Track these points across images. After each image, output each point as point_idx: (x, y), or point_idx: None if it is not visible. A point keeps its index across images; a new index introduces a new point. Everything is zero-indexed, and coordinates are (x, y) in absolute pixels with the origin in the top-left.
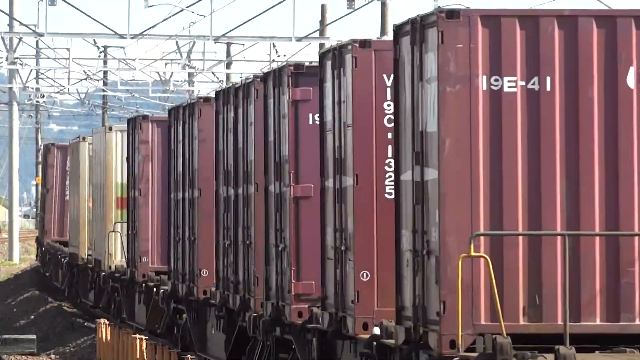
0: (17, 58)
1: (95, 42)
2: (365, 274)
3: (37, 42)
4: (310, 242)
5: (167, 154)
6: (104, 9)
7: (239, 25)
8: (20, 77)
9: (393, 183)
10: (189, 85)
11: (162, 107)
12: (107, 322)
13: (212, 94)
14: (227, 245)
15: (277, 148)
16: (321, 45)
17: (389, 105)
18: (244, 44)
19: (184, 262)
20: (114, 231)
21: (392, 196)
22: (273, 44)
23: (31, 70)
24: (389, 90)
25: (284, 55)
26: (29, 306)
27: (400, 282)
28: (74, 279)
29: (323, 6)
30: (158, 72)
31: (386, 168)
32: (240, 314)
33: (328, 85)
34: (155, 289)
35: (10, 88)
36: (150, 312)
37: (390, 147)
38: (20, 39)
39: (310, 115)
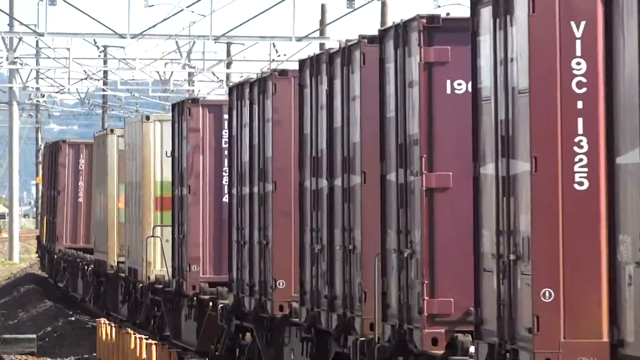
0: (17, 58)
1: (95, 42)
2: (547, 293)
3: (37, 41)
4: (447, 247)
5: (220, 144)
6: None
7: (239, 25)
8: (20, 76)
9: (585, 169)
10: (188, 85)
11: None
12: (107, 322)
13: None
14: (317, 251)
15: (400, 126)
16: (321, 45)
17: (578, 63)
18: (244, 44)
19: (251, 270)
20: (153, 236)
21: (585, 187)
22: (273, 43)
23: (31, 70)
24: (578, 43)
25: (284, 55)
26: (29, 306)
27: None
28: (101, 290)
29: (323, 6)
30: (158, 72)
31: (576, 149)
32: (339, 338)
33: (485, 39)
34: (211, 304)
35: (11, 88)
36: (203, 331)
37: (581, 121)
38: (20, 39)
39: (448, 82)
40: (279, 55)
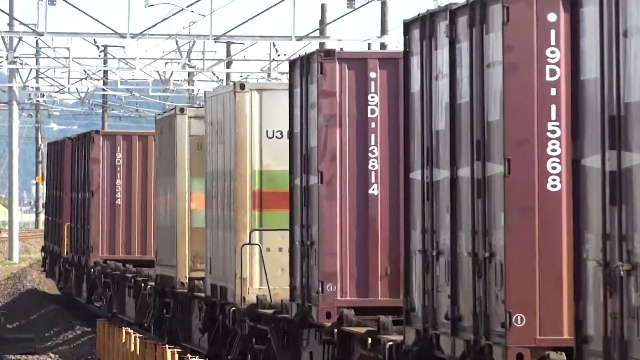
0: (17, 57)
1: (95, 42)
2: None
3: (37, 41)
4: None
5: (365, 112)
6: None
7: (239, 25)
8: (20, 76)
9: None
10: (188, 85)
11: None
12: (107, 322)
13: None
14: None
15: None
16: (321, 45)
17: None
18: (244, 44)
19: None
20: (250, 243)
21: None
22: (273, 43)
23: (31, 69)
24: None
25: (284, 55)
26: (29, 305)
27: None
28: (166, 314)
29: (323, 5)
30: (158, 72)
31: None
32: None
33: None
34: (370, 340)
35: (10, 87)
36: None
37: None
38: (20, 39)
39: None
40: (279, 55)
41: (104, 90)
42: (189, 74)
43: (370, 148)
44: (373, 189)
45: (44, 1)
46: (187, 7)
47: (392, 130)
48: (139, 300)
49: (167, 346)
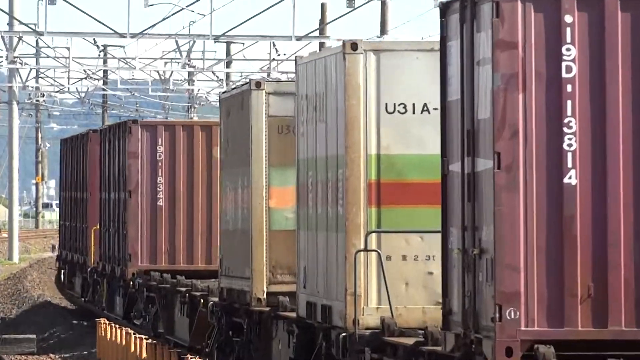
0: (17, 57)
1: (95, 42)
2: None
3: (37, 41)
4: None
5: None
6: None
7: (239, 25)
8: (20, 76)
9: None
10: (188, 85)
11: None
12: (107, 322)
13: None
14: None
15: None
16: (321, 45)
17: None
18: (243, 43)
19: None
20: (365, 250)
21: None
22: (273, 43)
23: (31, 69)
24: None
25: (284, 55)
26: (29, 305)
27: None
28: (238, 339)
29: (323, 5)
30: (158, 71)
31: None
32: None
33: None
34: None
35: (10, 87)
36: None
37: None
38: (20, 38)
39: None
40: (279, 55)
41: (103, 90)
42: (189, 73)
43: (566, 120)
44: (569, 177)
45: (44, 1)
46: (187, 7)
47: (595, 95)
48: (195, 319)
49: (167, 346)
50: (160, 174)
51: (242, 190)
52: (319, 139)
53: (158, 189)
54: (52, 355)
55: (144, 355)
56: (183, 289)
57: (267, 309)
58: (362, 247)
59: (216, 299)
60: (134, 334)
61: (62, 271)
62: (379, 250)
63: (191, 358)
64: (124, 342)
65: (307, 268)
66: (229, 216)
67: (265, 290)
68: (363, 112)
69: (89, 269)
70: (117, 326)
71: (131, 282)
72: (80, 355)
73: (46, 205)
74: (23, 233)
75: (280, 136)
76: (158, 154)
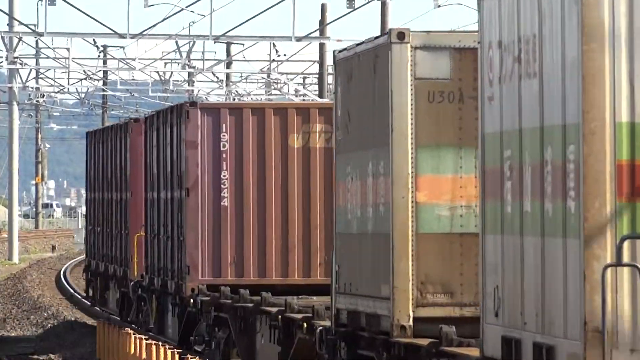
0: (17, 57)
1: (95, 42)
2: None
3: (36, 41)
4: None
5: None
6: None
7: (239, 25)
8: (20, 76)
9: None
10: (188, 85)
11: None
12: (107, 322)
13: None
14: None
15: None
16: (321, 45)
17: None
18: (243, 44)
19: None
20: (617, 264)
21: None
22: (273, 43)
23: (31, 69)
24: None
25: (284, 55)
26: (29, 306)
27: None
28: None
29: (323, 6)
30: (158, 72)
31: None
32: None
33: None
34: None
35: (10, 88)
36: None
37: None
38: (20, 39)
39: None
40: (278, 55)
41: (103, 90)
42: (189, 74)
43: None
44: None
45: (43, 1)
46: (187, 7)
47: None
48: (290, 348)
49: (167, 346)
50: (224, 168)
51: (375, 179)
52: (525, 102)
53: (222, 185)
54: (52, 355)
55: (144, 355)
56: (273, 310)
57: (421, 341)
58: (612, 259)
59: (327, 324)
60: (133, 334)
61: (92, 285)
62: (637, 265)
63: (191, 358)
64: (123, 342)
65: (502, 289)
66: (350, 215)
67: (411, 314)
68: (609, 61)
69: (131, 283)
70: (117, 326)
71: (191, 300)
72: (80, 355)
73: (46, 206)
74: (23, 233)
75: (431, 105)
76: (222, 143)
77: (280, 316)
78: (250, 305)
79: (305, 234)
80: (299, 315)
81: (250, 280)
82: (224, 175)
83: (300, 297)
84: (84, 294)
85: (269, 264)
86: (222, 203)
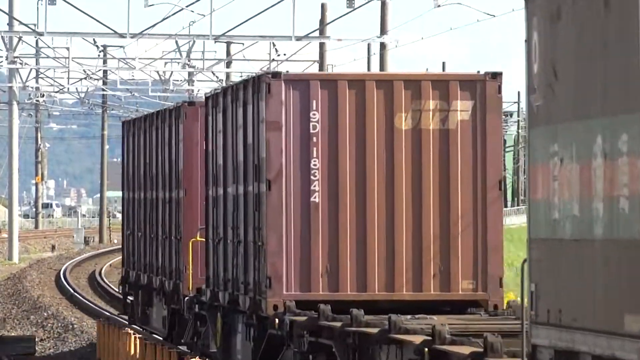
0: (17, 57)
1: (95, 42)
2: None
3: (36, 41)
4: None
5: None
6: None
7: (239, 25)
8: (20, 76)
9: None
10: (188, 85)
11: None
12: (107, 323)
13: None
14: None
15: None
16: (321, 45)
17: None
18: (243, 43)
19: None
20: None
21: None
22: (273, 43)
23: (31, 69)
24: None
25: (284, 55)
26: (29, 306)
27: None
28: None
29: (323, 5)
30: (158, 72)
31: None
32: None
33: None
34: None
35: (10, 87)
36: None
37: None
38: (20, 38)
39: None
40: (278, 55)
41: (103, 90)
42: (189, 73)
43: None
44: None
45: (43, 1)
46: (187, 7)
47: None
48: None
49: (166, 346)
50: (314, 155)
51: (609, 161)
52: None
53: (312, 176)
54: (51, 355)
55: (144, 355)
56: (414, 340)
57: None
58: None
59: None
60: (133, 334)
61: (130, 299)
62: None
63: (191, 358)
64: (123, 342)
65: None
66: (559, 213)
67: None
68: None
69: (186, 298)
70: (117, 326)
71: (276, 320)
72: (80, 355)
73: (46, 206)
74: (23, 233)
75: None
76: (311, 124)
77: (426, 349)
78: (374, 331)
79: (416, 237)
80: (462, 350)
81: (347, 295)
82: (314, 164)
83: (416, 316)
84: (120, 311)
85: (370, 274)
86: (311, 198)
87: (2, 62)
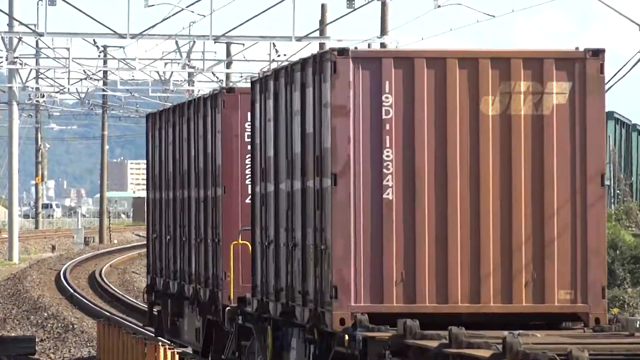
0: (17, 58)
1: (95, 42)
2: None
3: (37, 41)
4: None
5: None
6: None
7: (239, 25)
8: (20, 76)
9: None
10: (188, 85)
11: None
12: (107, 323)
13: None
14: None
15: None
16: (321, 45)
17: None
18: (243, 44)
19: None
20: None
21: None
22: (273, 43)
23: (31, 69)
24: None
25: (284, 55)
26: (29, 306)
27: None
28: None
29: (323, 6)
30: (158, 72)
31: None
32: None
33: None
34: None
35: (10, 88)
36: None
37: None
38: (20, 39)
39: None
40: (278, 55)
41: (103, 90)
42: (189, 74)
43: None
44: None
45: (43, 1)
46: (187, 7)
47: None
48: None
49: (166, 346)
50: (387, 144)
51: None
52: None
53: (384, 169)
54: (51, 355)
55: (144, 355)
56: None
57: None
58: None
59: None
60: (133, 334)
61: (157, 309)
62: None
63: (191, 358)
64: (123, 343)
65: None
66: None
67: None
68: None
69: (226, 308)
70: (117, 326)
71: (346, 337)
72: (81, 355)
73: (46, 206)
74: (23, 233)
75: None
76: (384, 109)
77: None
78: (486, 354)
79: (505, 239)
80: None
81: (425, 307)
82: (387, 155)
83: (516, 333)
84: (146, 324)
85: (452, 283)
86: (384, 195)
87: (2, 62)
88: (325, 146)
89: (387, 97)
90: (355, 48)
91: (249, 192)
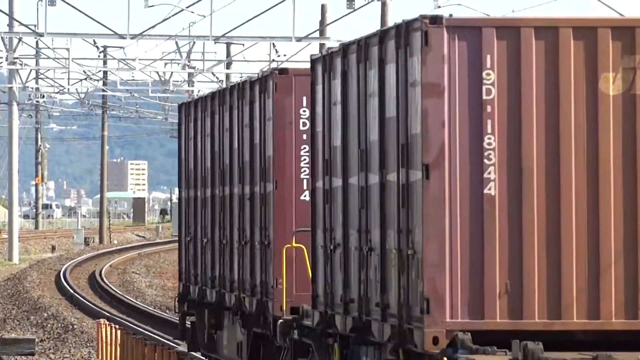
0: (17, 58)
1: (95, 42)
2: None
3: (36, 42)
4: None
5: None
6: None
7: (239, 26)
8: (20, 77)
9: None
10: (188, 86)
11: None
12: (108, 323)
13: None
14: None
15: None
16: (321, 46)
17: None
18: (243, 44)
19: None
20: None
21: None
22: (273, 44)
23: (31, 70)
24: None
25: (284, 55)
26: (29, 306)
27: None
28: None
29: (323, 6)
30: (158, 72)
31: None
32: None
33: None
34: None
35: (10, 88)
36: None
37: None
38: (20, 39)
39: None
40: (278, 56)
41: (103, 90)
42: (189, 74)
43: None
44: None
45: (43, 2)
46: (187, 7)
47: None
48: None
49: (166, 346)
50: (489, 130)
51: None
52: None
53: (485, 160)
54: (51, 356)
55: (144, 355)
56: None
57: None
58: None
59: None
60: (133, 334)
61: (192, 321)
62: None
63: (192, 359)
64: (124, 343)
65: None
66: None
67: None
68: None
69: (279, 321)
70: (117, 326)
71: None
72: (80, 355)
73: (46, 206)
74: (23, 234)
75: None
76: (484, 88)
77: None
78: None
79: (629, 244)
80: None
81: (535, 323)
82: (489, 143)
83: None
84: (178, 338)
85: (566, 295)
86: (485, 189)
87: (2, 63)
88: (413, 132)
89: (488, 74)
90: (450, 15)
91: (305, 187)
